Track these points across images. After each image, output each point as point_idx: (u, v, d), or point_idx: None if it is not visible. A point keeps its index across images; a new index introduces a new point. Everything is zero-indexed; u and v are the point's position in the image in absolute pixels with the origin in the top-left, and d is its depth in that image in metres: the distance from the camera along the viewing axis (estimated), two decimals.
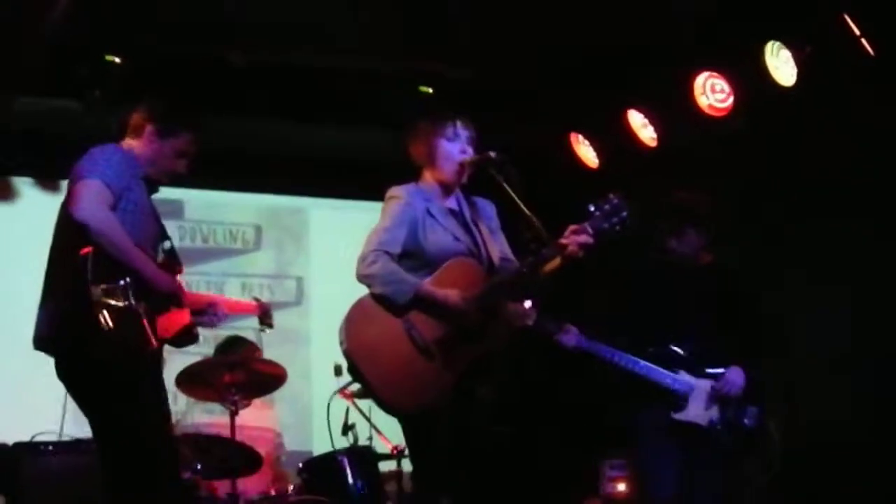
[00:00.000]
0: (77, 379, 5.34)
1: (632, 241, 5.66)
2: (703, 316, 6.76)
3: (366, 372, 5.33)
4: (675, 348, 6.69)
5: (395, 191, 5.67)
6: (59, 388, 5.40)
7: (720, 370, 6.72)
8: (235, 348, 8.03)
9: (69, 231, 5.22)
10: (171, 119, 5.74)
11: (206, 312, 5.89)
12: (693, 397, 6.68)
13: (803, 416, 7.66)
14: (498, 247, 5.74)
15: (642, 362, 6.64)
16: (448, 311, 5.36)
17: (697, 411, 6.68)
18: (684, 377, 6.68)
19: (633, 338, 6.70)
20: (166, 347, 5.53)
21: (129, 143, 5.67)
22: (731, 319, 6.78)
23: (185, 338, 5.65)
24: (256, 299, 6.75)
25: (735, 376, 6.69)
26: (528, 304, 5.87)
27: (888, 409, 7.38)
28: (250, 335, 8.33)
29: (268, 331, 6.69)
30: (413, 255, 5.53)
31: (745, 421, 6.73)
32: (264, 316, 6.57)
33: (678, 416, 6.66)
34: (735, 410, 6.71)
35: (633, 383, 6.68)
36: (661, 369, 6.65)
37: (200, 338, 5.81)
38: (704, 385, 6.69)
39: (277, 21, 8.00)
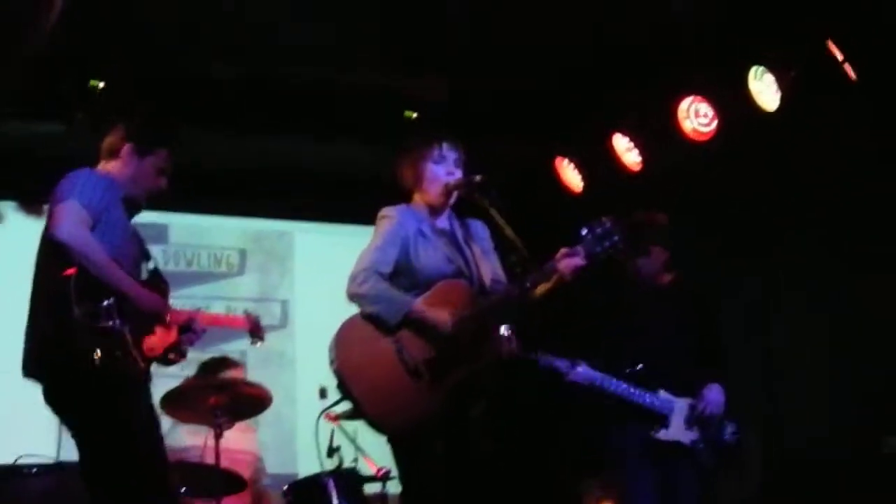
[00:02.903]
0: (64, 402, 5.30)
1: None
2: (675, 334, 6.82)
3: (355, 391, 5.35)
4: (652, 368, 6.70)
5: (387, 211, 5.71)
6: (49, 410, 5.37)
7: (698, 387, 6.75)
8: (218, 368, 7.99)
9: (51, 254, 5.22)
10: (149, 136, 5.73)
11: (187, 329, 5.87)
12: (674, 416, 6.70)
13: (786, 431, 7.70)
14: (490, 268, 5.75)
15: (623, 384, 6.65)
16: (438, 333, 5.38)
17: (679, 429, 6.70)
18: (664, 396, 6.70)
19: (609, 360, 6.72)
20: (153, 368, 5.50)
21: (106, 165, 5.66)
22: (697, 336, 6.84)
23: (173, 356, 5.63)
24: (246, 312, 6.71)
25: (715, 395, 6.73)
26: (504, 331, 5.86)
27: (870, 424, 7.39)
28: (236, 358, 8.32)
29: (259, 344, 6.65)
30: (404, 275, 5.55)
31: (725, 437, 6.77)
32: (254, 329, 6.54)
33: (660, 435, 6.68)
34: (715, 427, 6.74)
35: (611, 404, 6.70)
36: (640, 390, 6.67)
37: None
38: (684, 403, 6.72)
39: (264, 39, 8.02)
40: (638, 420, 6.69)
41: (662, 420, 6.70)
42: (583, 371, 6.65)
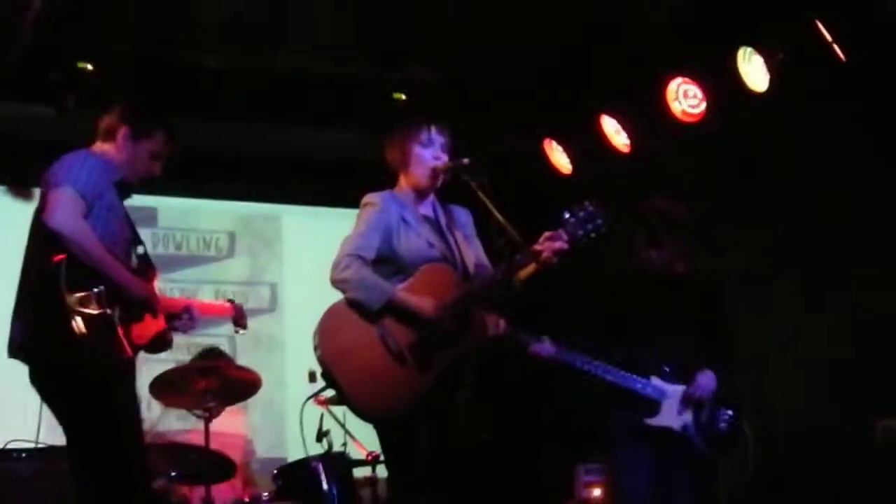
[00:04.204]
0: (51, 386, 5.31)
1: (605, 248, 5.66)
2: (677, 324, 6.78)
3: (339, 378, 5.36)
4: (647, 354, 6.69)
5: (371, 197, 5.69)
6: (35, 395, 5.37)
7: (693, 375, 6.74)
8: (210, 358, 7.99)
9: (43, 239, 5.22)
10: (145, 120, 5.72)
11: (181, 317, 5.86)
12: (665, 402, 6.68)
13: (779, 419, 7.70)
14: (473, 253, 5.76)
15: (613, 370, 6.63)
16: (421, 318, 5.39)
17: (670, 416, 6.68)
18: (656, 383, 6.69)
19: (605, 344, 6.71)
20: (140, 354, 5.50)
21: (102, 146, 5.65)
22: (704, 328, 6.82)
23: (160, 344, 5.64)
24: (230, 301, 6.71)
25: (706, 380, 6.70)
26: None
27: (864, 411, 7.39)
28: (224, 342, 8.32)
29: (241, 332, 6.65)
30: (387, 261, 5.55)
31: (720, 425, 6.76)
32: (238, 317, 6.54)
33: (651, 420, 6.66)
34: (708, 414, 6.74)
35: (604, 389, 6.69)
36: (632, 376, 6.66)
37: (174, 344, 5.80)
38: (677, 390, 6.70)
39: (252, 24, 8.00)
40: (628, 406, 6.68)
41: (654, 406, 6.70)
42: (545, 347, 6.62)
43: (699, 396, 6.68)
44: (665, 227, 6.85)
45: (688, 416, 6.71)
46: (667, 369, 6.68)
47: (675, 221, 6.88)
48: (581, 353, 6.63)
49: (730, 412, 6.77)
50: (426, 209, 5.78)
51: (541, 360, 6.64)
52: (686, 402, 6.70)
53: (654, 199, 7.00)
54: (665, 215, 6.88)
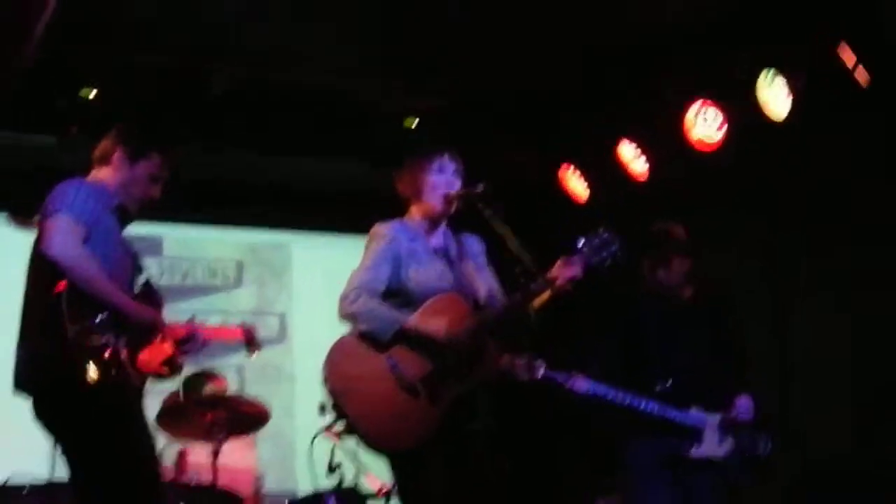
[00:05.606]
0: (55, 419, 5.22)
1: (619, 276, 5.61)
2: (702, 350, 6.76)
3: (349, 410, 5.31)
4: (682, 385, 6.60)
5: (379, 228, 5.65)
6: (38, 429, 5.28)
7: (727, 400, 6.70)
8: (201, 384, 7.84)
9: (43, 269, 5.14)
10: (141, 142, 5.65)
11: (187, 342, 5.73)
12: (707, 431, 6.62)
13: (808, 444, 7.62)
14: (484, 283, 5.71)
15: (652, 402, 6.54)
16: (435, 345, 5.33)
17: (712, 445, 6.63)
18: (696, 413, 6.61)
19: (637, 376, 6.63)
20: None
21: (97, 174, 5.59)
22: (722, 350, 6.81)
23: (168, 370, 5.53)
24: (242, 323, 6.58)
25: (746, 402, 6.69)
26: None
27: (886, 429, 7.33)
28: (232, 373, 8.21)
29: (254, 356, 6.52)
30: (397, 293, 5.51)
31: (759, 451, 6.72)
32: (250, 341, 6.42)
33: (695, 452, 6.60)
34: (748, 440, 6.69)
35: (631, 420, 6.57)
36: (671, 407, 6.57)
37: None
38: (715, 418, 6.64)
39: (260, 49, 7.95)
40: (668, 437, 6.60)
41: (695, 437, 6.61)
42: (581, 383, 6.51)
43: (740, 420, 6.64)
44: (670, 246, 6.85)
45: (729, 443, 6.67)
46: (686, 388, 6.61)
47: (679, 242, 6.89)
48: (616, 386, 6.54)
49: (767, 437, 6.74)
50: (437, 239, 5.73)
51: (578, 396, 6.52)
52: (726, 428, 6.64)
53: (656, 222, 7.03)
54: (669, 235, 6.91)
